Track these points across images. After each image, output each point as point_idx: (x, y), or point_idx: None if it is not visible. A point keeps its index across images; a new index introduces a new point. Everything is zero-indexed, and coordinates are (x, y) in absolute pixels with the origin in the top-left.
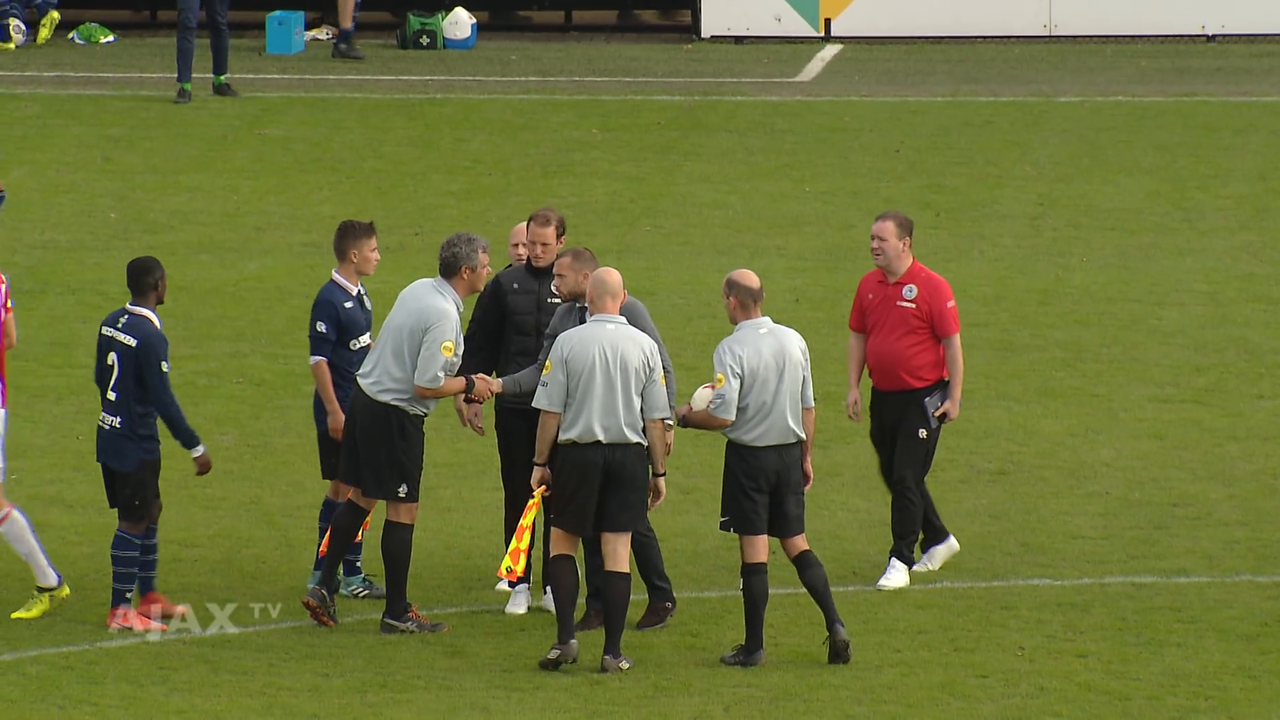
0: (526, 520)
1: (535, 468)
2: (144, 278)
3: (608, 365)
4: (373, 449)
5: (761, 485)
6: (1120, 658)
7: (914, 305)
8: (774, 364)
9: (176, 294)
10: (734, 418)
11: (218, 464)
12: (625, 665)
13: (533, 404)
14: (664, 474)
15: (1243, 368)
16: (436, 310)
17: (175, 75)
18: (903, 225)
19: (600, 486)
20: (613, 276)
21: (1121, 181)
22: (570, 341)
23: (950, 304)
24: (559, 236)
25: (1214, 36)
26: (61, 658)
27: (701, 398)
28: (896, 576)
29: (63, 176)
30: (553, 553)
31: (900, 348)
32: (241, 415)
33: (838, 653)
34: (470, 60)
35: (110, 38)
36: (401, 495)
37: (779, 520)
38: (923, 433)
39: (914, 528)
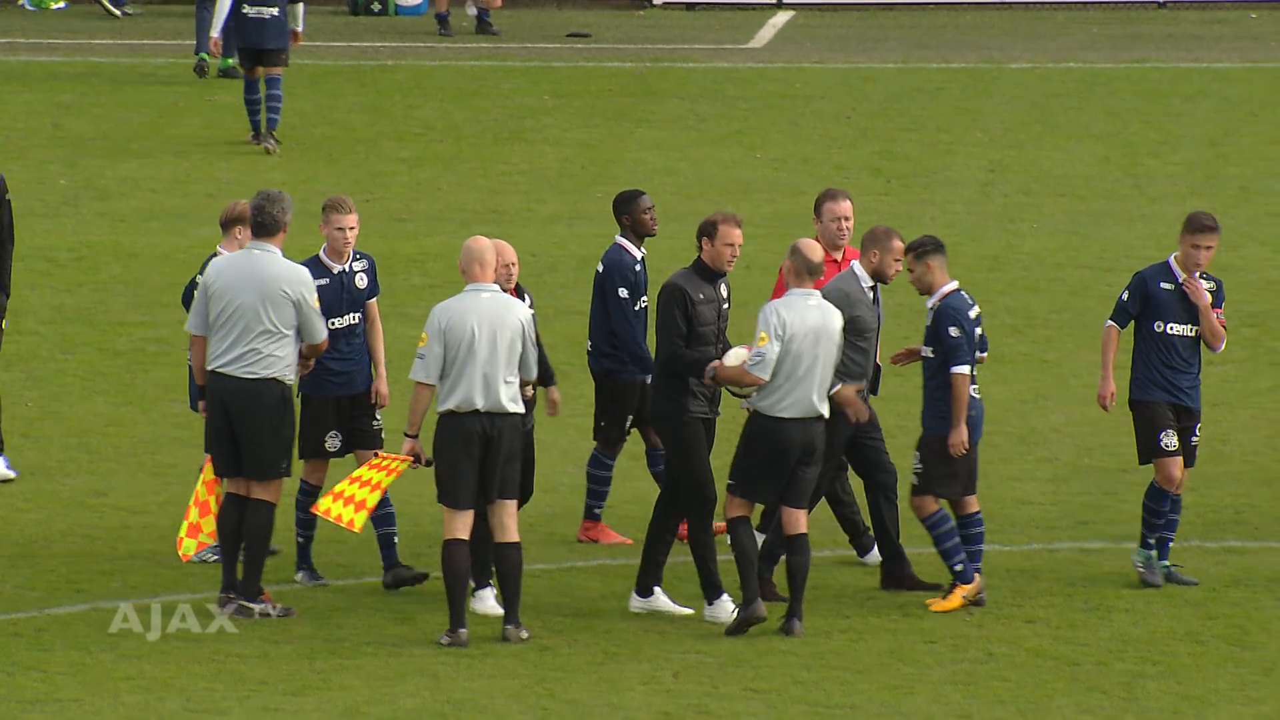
0: (386, 480)
1: (406, 439)
2: (617, 208)
3: (487, 334)
4: (256, 429)
5: (780, 458)
6: (1069, 623)
7: None
8: (813, 336)
9: (127, 260)
10: (769, 377)
11: (168, 431)
12: (525, 635)
13: (409, 376)
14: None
15: None
16: (297, 273)
17: (128, 43)
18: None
19: (481, 458)
20: (480, 243)
21: (1072, 148)
22: (448, 312)
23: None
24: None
25: (1165, 3)
26: (10, 624)
27: (736, 355)
28: None
29: (12, 143)
30: (445, 536)
31: None
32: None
33: (784, 635)
34: (421, 26)
35: (61, 4)
36: (285, 471)
37: (790, 488)
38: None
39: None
